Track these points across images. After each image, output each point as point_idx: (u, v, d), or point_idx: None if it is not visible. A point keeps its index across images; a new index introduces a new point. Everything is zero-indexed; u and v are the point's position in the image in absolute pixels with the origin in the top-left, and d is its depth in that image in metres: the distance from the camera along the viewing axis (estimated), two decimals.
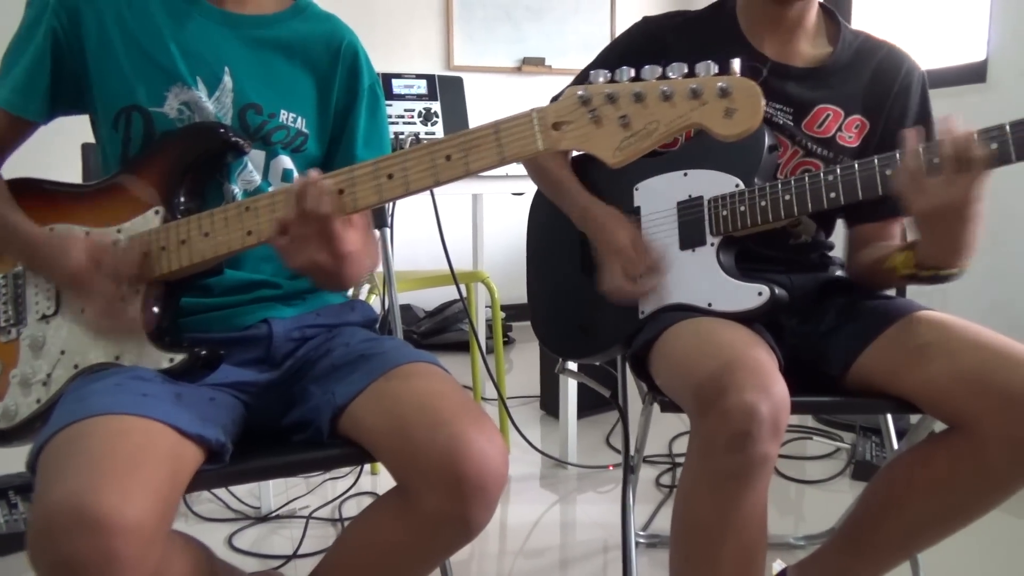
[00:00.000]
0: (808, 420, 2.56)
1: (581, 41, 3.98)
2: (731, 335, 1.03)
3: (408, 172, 0.86)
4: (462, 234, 2.95)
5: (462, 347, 3.18)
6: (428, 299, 3.75)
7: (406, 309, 3.78)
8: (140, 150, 1.02)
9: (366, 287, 2.22)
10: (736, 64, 0.78)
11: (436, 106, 2.04)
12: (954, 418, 1.00)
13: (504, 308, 2.76)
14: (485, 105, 2.25)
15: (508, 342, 3.69)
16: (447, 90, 2.06)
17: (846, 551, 1.15)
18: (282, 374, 1.06)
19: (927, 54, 2.95)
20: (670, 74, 0.79)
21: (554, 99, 0.92)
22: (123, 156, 1.04)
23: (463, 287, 2.27)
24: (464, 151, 0.84)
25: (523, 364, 3.32)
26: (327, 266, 0.90)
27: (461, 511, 0.85)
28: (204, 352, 0.94)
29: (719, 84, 0.76)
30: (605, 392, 1.58)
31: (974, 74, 2.62)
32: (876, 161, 1.04)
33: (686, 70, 0.79)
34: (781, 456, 2.23)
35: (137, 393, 0.85)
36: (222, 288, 1.04)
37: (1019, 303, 2.50)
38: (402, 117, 2.01)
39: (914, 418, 1.16)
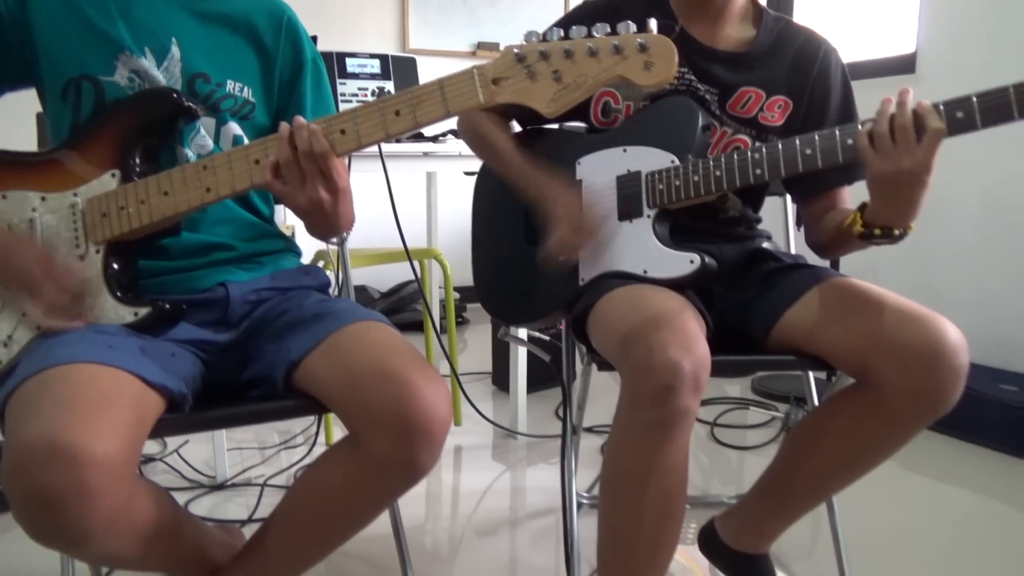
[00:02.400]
0: (748, 393, 2.69)
1: (535, 27, 4.02)
2: (661, 300, 1.11)
3: (359, 127, 0.93)
4: (416, 212, 3.01)
5: (417, 327, 3.23)
6: (383, 280, 3.79)
7: (361, 290, 3.81)
8: (92, 117, 1.06)
9: (321, 262, 2.27)
10: (653, 23, 0.87)
11: (389, 85, 2.09)
12: (859, 372, 1.10)
13: (458, 289, 2.82)
14: None
15: (462, 322, 3.75)
16: (400, 70, 2.11)
17: (765, 497, 1.25)
18: (239, 335, 1.11)
19: (860, 45, 3.09)
20: (595, 33, 0.87)
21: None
22: (74, 126, 1.07)
23: (416, 264, 2.33)
24: (412, 106, 0.92)
25: (477, 343, 3.40)
26: (327, 203, 0.96)
27: (408, 454, 0.92)
28: (168, 305, 0.99)
29: (638, 40, 0.85)
30: (545, 356, 1.66)
31: (904, 65, 2.76)
32: (797, 141, 1.13)
33: (609, 29, 0.87)
34: (721, 425, 2.36)
35: (102, 345, 0.90)
36: (179, 251, 1.08)
37: (941, 285, 2.66)
38: (356, 95, 2.05)
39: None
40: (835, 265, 2.50)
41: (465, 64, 0.96)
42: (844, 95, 1.32)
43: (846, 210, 1.28)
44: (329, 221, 1.00)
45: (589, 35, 0.88)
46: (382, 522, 1.31)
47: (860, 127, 1.05)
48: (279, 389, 1.02)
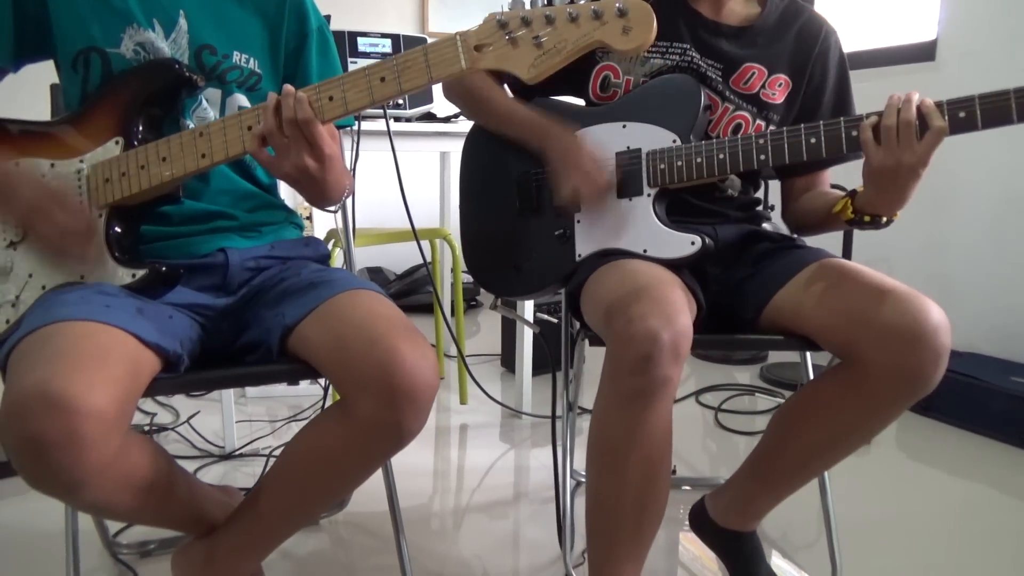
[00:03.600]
0: (757, 380, 2.69)
1: None
2: (649, 273, 1.12)
3: (347, 93, 0.95)
4: (430, 195, 3.03)
5: (431, 309, 3.27)
6: (399, 262, 3.82)
7: (376, 272, 3.85)
8: (98, 87, 1.09)
9: (332, 240, 2.30)
10: None
11: None
12: (843, 351, 1.10)
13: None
14: None
15: (475, 305, 3.78)
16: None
17: (752, 476, 1.26)
18: (237, 300, 1.14)
19: (879, 32, 3.05)
20: None
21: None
22: (82, 96, 1.10)
23: (427, 245, 2.35)
24: (396, 72, 0.93)
25: (489, 326, 3.42)
26: (313, 170, 0.98)
27: (395, 416, 0.94)
28: (164, 268, 1.02)
29: (617, 5, 0.86)
30: (536, 328, 1.66)
31: (924, 53, 2.72)
32: (802, 129, 1.13)
33: None
34: (727, 411, 2.36)
35: (101, 304, 0.93)
36: (181, 217, 1.11)
37: (956, 274, 2.63)
38: None
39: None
40: (847, 253, 2.49)
41: None
42: (840, 78, 1.33)
43: (829, 192, 1.29)
44: (318, 187, 1.02)
45: (572, 1, 0.89)
46: (380, 495, 1.34)
47: (864, 119, 1.08)
48: (274, 354, 1.05)
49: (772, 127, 1.31)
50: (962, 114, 1.02)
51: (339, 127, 1.34)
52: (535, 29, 0.88)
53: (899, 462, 2.04)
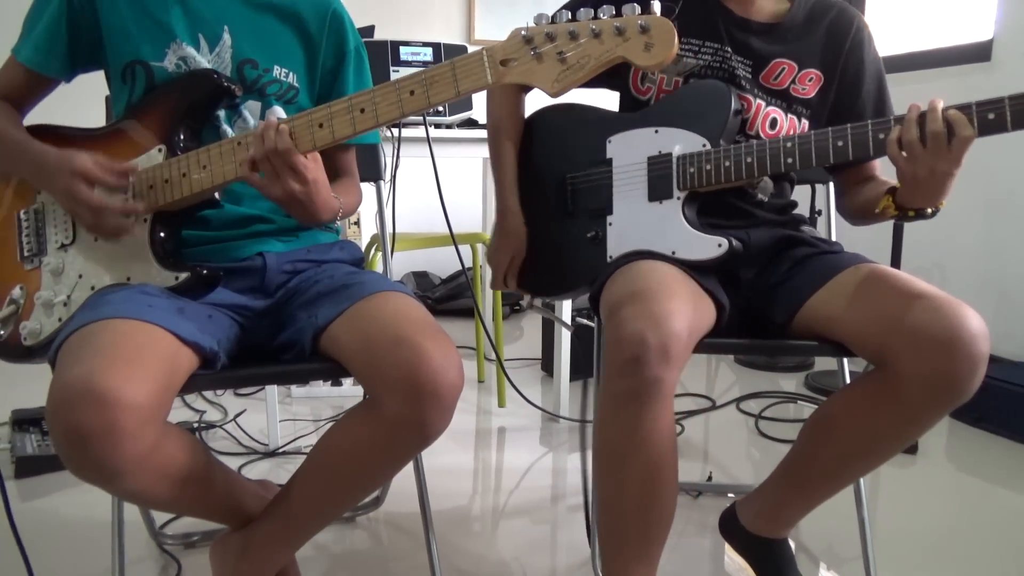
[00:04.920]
0: (802, 388, 2.64)
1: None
2: (658, 275, 1.12)
3: (377, 106, 0.98)
4: (472, 200, 3.07)
5: (473, 313, 3.30)
6: (444, 266, 3.87)
7: (422, 276, 3.91)
8: (142, 97, 1.15)
9: (373, 247, 2.34)
10: (656, 5, 0.89)
11: None
12: (876, 357, 1.08)
13: None
14: None
15: (519, 310, 3.80)
16: (452, 57, 2.15)
17: (784, 483, 1.24)
18: (274, 301, 1.18)
19: (933, 32, 2.97)
20: (601, 15, 0.90)
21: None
22: (128, 105, 1.16)
23: (468, 249, 2.37)
24: (425, 86, 0.96)
25: (532, 331, 3.43)
26: (300, 194, 1.02)
27: (419, 415, 0.96)
28: (205, 271, 1.07)
29: (639, 22, 0.87)
30: (570, 328, 1.67)
31: (979, 53, 2.64)
32: (830, 133, 1.13)
33: (614, 11, 0.90)
34: (767, 418, 2.32)
35: (143, 304, 0.98)
36: (221, 222, 1.16)
37: (1008, 280, 2.54)
38: None
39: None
40: (896, 257, 2.43)
41: None
42: (877, 71, 1.33)
43: (879, 183, 1.29)
44: (307, 210, 1.06)
45: (595, 17, 0.90)
46: (416, 494, 1.37)
47: (892, 125, 1.08)
48: (307, 353, 1.09)
49: (805, 121, 1.31)
50: (991, 115, 1.00)
51: (362, 144, 1.38)
52: (559, 45, 0.90)
53: (948, 473, 1.98)
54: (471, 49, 2.34)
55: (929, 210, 1.13)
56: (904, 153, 1.05)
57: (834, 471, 1.17)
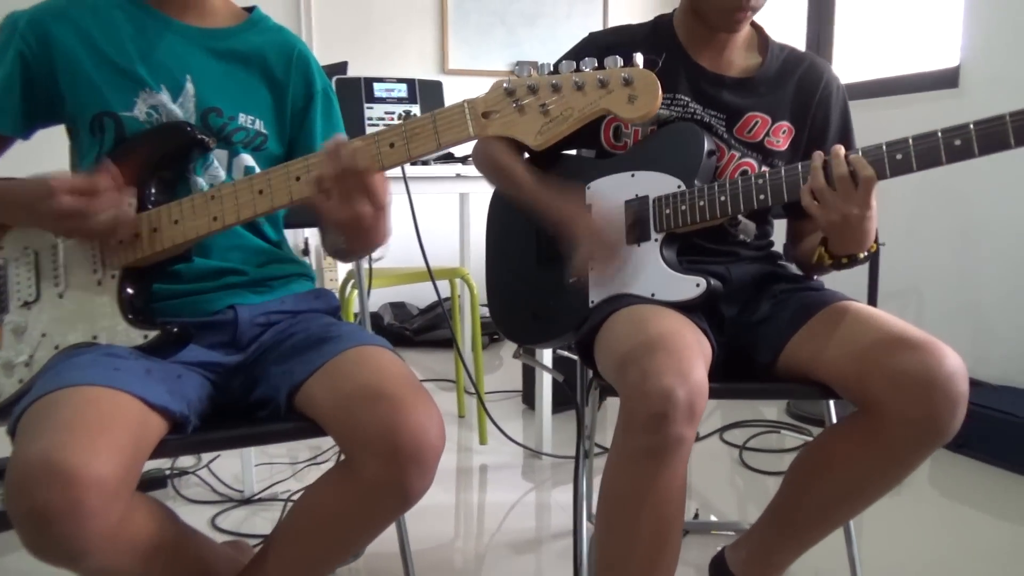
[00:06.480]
0: (784, 416, 2.63)
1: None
2: (662, 322, 1.11)
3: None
4: (450, 233, 3.04)
5: (451, 344, 3.27)
6: (422, 297, 3.84)
7: (400, 306, 3.87)
8: (112, 149, 1.10)
9: (349, 283, 2.31)
10: (638, 58, 0.88)
11: (416, 109, 2.13)
12: (859, 399, 1.08)
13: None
14: None
15: (498, 339, 3.77)
16: (427, 93, 2.15)
17: (771, 527, 1.23)
18: (247, 356, 1.14)
19: (901, 59, 3.02)
20: (583, 68, 0.89)
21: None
22: (97, 158, 1.12)
23: (447, 284, 2.35)
24: (406, 139, 0.94)
25: (512, 361, 3.41)
26: (368, 217, 0.96)
27: (398, 478, 0.93)
28: (176, 329, 1.03)
29: (623, 75, 0.86)
30: (559, 377, 1.66)
31: (947, 80, 2.69)
32: (800, 168, 1.14)
33: (596, 64, 0.89)
34: (751, 449, 2.31)
35: (109, 367, 0.94)
36: (191, 275, 1.12)
37: (986, 304, 2.57)
38: (383, 119, 2.10)
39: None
40: (874, 283, 2.44)
41: None
42: (843, 122, 1.35)
43: (812, 239, 1.30)
44: (368, 236, 1.02)
45: (577, 69, 0.89)
46: (394, 538, 1.33)
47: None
48: (282, 412, 1.05)
49: None
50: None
51: None
52: (542, 97, 0.89)
53: (931, 499, 1.98)
54: (445, 82, 2.34)
55: (862, 255, 1.16)
56: (816, 201, 1.08)
57: (823, 515, 1.16)
